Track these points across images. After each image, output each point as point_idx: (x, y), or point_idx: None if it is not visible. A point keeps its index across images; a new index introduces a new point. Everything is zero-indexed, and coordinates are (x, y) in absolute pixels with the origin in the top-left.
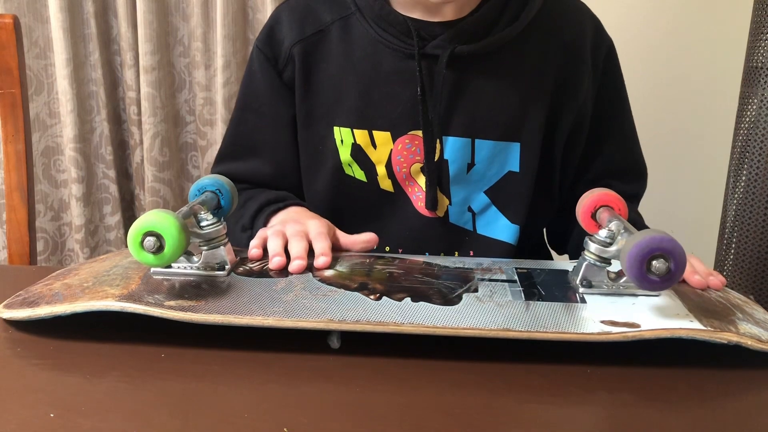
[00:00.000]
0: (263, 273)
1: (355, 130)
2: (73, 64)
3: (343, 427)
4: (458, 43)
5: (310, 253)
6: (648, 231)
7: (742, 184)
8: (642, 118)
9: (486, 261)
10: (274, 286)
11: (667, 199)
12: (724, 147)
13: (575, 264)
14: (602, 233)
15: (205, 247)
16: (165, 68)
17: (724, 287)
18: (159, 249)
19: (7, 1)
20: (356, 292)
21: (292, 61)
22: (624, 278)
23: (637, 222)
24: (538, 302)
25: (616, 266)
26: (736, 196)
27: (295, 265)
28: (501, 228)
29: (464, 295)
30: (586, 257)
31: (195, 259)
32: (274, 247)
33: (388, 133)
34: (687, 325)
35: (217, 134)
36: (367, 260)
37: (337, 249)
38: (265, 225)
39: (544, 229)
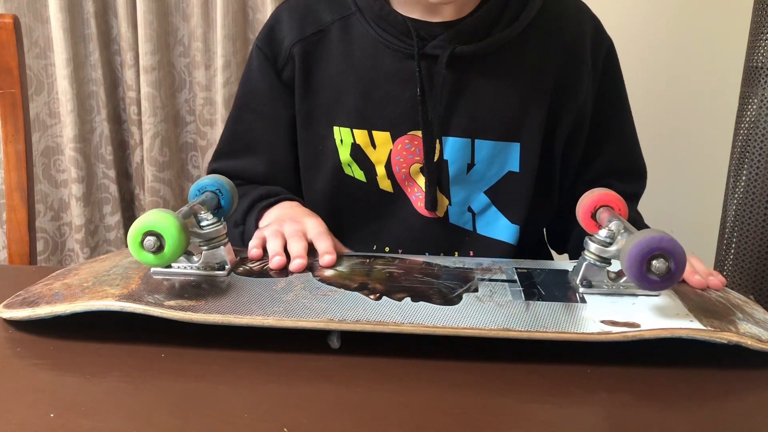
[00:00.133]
0: (263, 273)
1: (354, 130)
2: (73, 64)
3: (343, 427)
4: (458, 43)
5: (310, 252)
6: (648, 231)
7: (742, 184)
8: (642, 118)
9: (486, 261)
10: (274, 285)
11: (667, 199)
12: (724, 147)
13: (575, 264)
14: (602, 233)
15: (205, 247)
16: (165, 68)
17: (724, 287)
18: (159, 249)
19: (7, 1)
20: (356, 292)
21: (292, 61)
22: (624, 278)
23: (637, 221)
24: (538, 302)
25: (616, 266)
26: (736, 196)
27: (296, 264)
28: (501, 228)
29: (464, 295)
30: (586, 257)
31: (195, 258)
32: (274, 247)
33: (388, 134)
34: (687, 325)
35: (217, 134)
36: (367, 260)
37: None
38: (257, 220)
39: (544, 229)
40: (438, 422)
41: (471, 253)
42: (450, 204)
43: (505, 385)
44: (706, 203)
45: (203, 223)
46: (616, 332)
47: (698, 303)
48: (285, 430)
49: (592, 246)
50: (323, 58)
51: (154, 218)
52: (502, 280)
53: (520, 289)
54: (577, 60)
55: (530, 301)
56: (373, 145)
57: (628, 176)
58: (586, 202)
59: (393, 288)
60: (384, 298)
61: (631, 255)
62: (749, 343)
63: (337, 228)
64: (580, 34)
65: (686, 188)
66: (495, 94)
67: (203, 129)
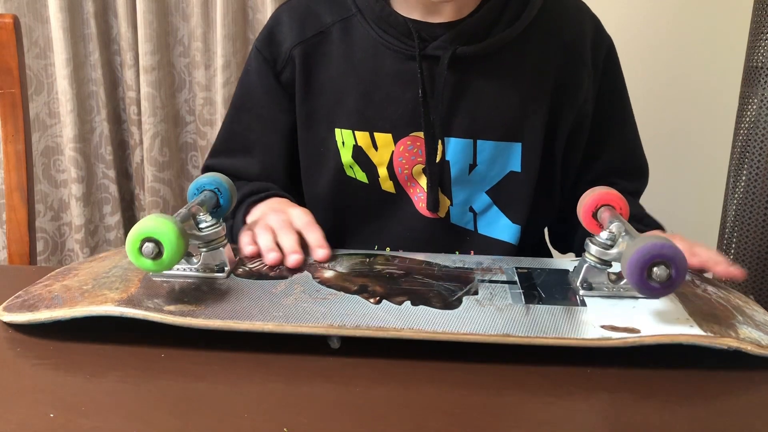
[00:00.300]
0: (262, 274)
1: (356, 132)
2: (73, 64)
3: (343, 427)
4: (459, 44)
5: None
6: (649, 237)
7: (742, 184)
8: (642, 118)
9: (486, 260)
10: (273, 288)
11: (667, 199)
12: (724, 147)
13: (575, 264)
14: (603, 235)
15: (204, 249)
16: (165, 68)
17: (725, 287)
18: (158, 255)
19: (7, 1)
20: (356, 295)
21: (292, 63)
22: (624, 280)
23: (639, 215)
24: (538, 305)
25: (616, 267)
26: (736, 196)
27: (293, 260)
28: (502, 228)
29: (464, 298)
30: (587, 259)
31: (194, 260)
32: (266, 242)
33: (390, 135)
34: (687, 331)
35: (216, 134)
36: (367, 259)
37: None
38: (245, 216)
39: (546, 229)
40: (438, 422)
41: (472, 253)
42: (451, 204)
43: (505, 385)
44: (706, 203)
45: (202, 225)
46: (617, 338)
47: (699, 306)
48: (285, 430)
49: (593, 248)
50: (324, 59)
51: (153, 224)
52: (503, 282)
53: (520, 291)
54: (578, 60)
55: (530, 305)
56: (375, 147)
57: (630, 175)
58: (587, 201)
59: (393, 291)
60: (384, 301)
61: (632, 261)
62: (749, 348)
63: (338, 229)
64: (580, 34)
65: (686, 188)
66: (496, 94)
67: (203, 129)
